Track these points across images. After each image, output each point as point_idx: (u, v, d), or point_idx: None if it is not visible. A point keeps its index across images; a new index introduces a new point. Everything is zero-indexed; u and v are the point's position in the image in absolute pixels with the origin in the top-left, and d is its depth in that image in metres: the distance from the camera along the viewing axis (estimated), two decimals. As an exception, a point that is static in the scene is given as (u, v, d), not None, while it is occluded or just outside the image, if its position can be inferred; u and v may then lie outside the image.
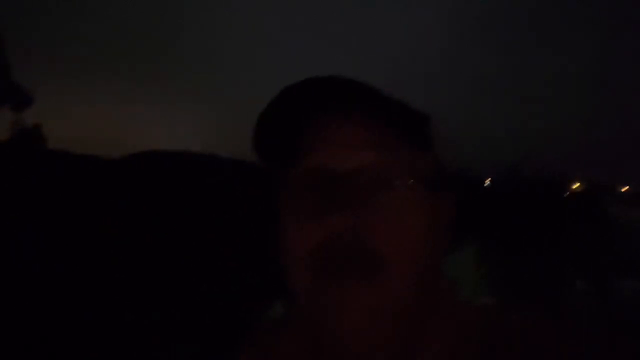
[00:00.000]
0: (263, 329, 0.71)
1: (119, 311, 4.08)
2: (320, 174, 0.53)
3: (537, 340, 0.54)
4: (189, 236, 6.89)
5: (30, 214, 7.03)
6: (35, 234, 6.16)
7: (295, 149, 0.56)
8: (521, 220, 12.06)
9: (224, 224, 7.37)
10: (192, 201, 8.82)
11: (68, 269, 5.16)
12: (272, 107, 0.57)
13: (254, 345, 0.68)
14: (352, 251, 0.50)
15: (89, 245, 6.02)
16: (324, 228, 0.51)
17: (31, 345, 3.49)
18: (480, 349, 0.55)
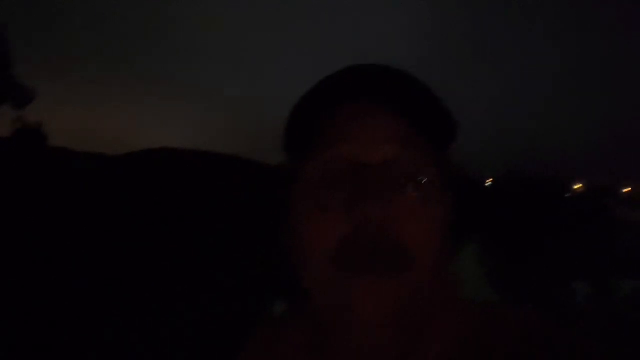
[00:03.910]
0: (266, 325, 0.71)
1: (121, 309, 4.08)
2: (349, 165, 0.52)
3: (537, 341, 0.54)
4: (191, 233, 6.89)
5: (32, 210, 7.03)
6: (37, 230, 6.17)
7: (324, 139, 0.55)
8: (522, 221, 12.05)
9: (227, 221, 7.37)
10: (195, 198, 8.82)
11: (69, 267, 5.17)
12: (305, 97, 0.58)
13: (258, 342, 0.68)
14: (379, 244, 0.49)
15: (91, 242, 6.02)
16: (351, 220, 0.50)
17: (32, 345, 3.49)
18: (481, 349, 0.55)
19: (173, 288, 4.62)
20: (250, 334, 0.69)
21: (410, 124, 0.55)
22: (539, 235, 10.92)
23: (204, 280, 4.92)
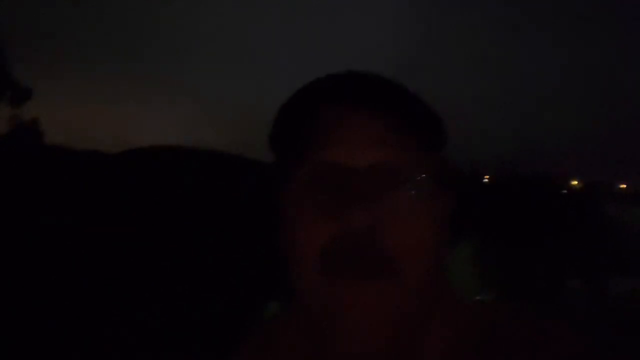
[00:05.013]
0: (261, 327, 0.70)
1: (118, 308, 4.07)
2: (336, 170, 0.52)
3: (534, 340, 0.54)
4: (189, 232, 6.87)
5: (28, 207, 7.01)
6: (34, 227, 6.14)
7: (310, 142, 0.55)
8: (519, 217, 12.08)
9: (225, 219, 7.36)
10: (193, 197, 8.80)
11: (67, 265, 5.15)
12: (292, 100, 0.58)
13: (252, 344, 0.67)
14: (366, 249, 0.49)
15: (88, 240, 6.00)
16: (338, 225, 0.49)
17: (31, 344, 3.48)
18: (478, 349, 0.55)
19: (170, 288, 4.61)
20: (246, 335, 0.69)
21: (396, 128, 0.55)
22: (535, 233, 10.95)
23: (201, 280, 4.91)
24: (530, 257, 8.40)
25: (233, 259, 5.54)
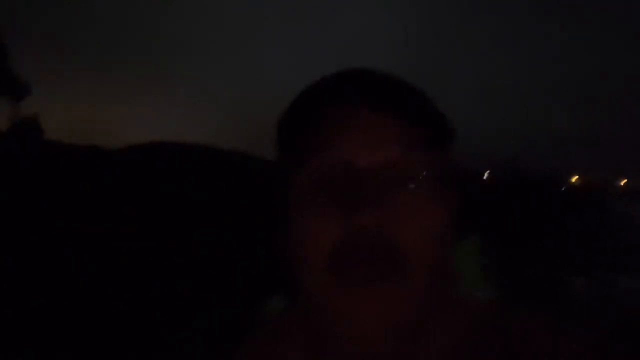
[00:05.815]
0: (262, 327, 0.70)
1: (118, 308, 4.08)
2: (342, 169, 0.52)
3: (536, 339, 0.54)
4: (188, 230, 6.89)
5: (29, 203, 7.03)
6: (34, 223, 6.16)
7: (317, 142, 0.54)
8: (519, 214, 12.11)
9: (223, 218, 7.38)
10: (194, 193, 8.82)
11: (65, 262, 5.17)
12: (298, 99, 0.58)
13: (253, 344, 0.67)
14: (375, 249, 0.49)
15: (87, 237, 6.02)
16: (346, 225, 0.49)
17: (30, 344, 3.49)
18: (480, 348, 0.55)
19: (170, 287, 4.62)
20: (246, 335, 0.69)
21: (404, 127, 0.54)
22: (535, 229, 10.98)
23: (201, 279, 4.93)
24: (531, 255, 8.42)
25: (233, 258, 5.55)
